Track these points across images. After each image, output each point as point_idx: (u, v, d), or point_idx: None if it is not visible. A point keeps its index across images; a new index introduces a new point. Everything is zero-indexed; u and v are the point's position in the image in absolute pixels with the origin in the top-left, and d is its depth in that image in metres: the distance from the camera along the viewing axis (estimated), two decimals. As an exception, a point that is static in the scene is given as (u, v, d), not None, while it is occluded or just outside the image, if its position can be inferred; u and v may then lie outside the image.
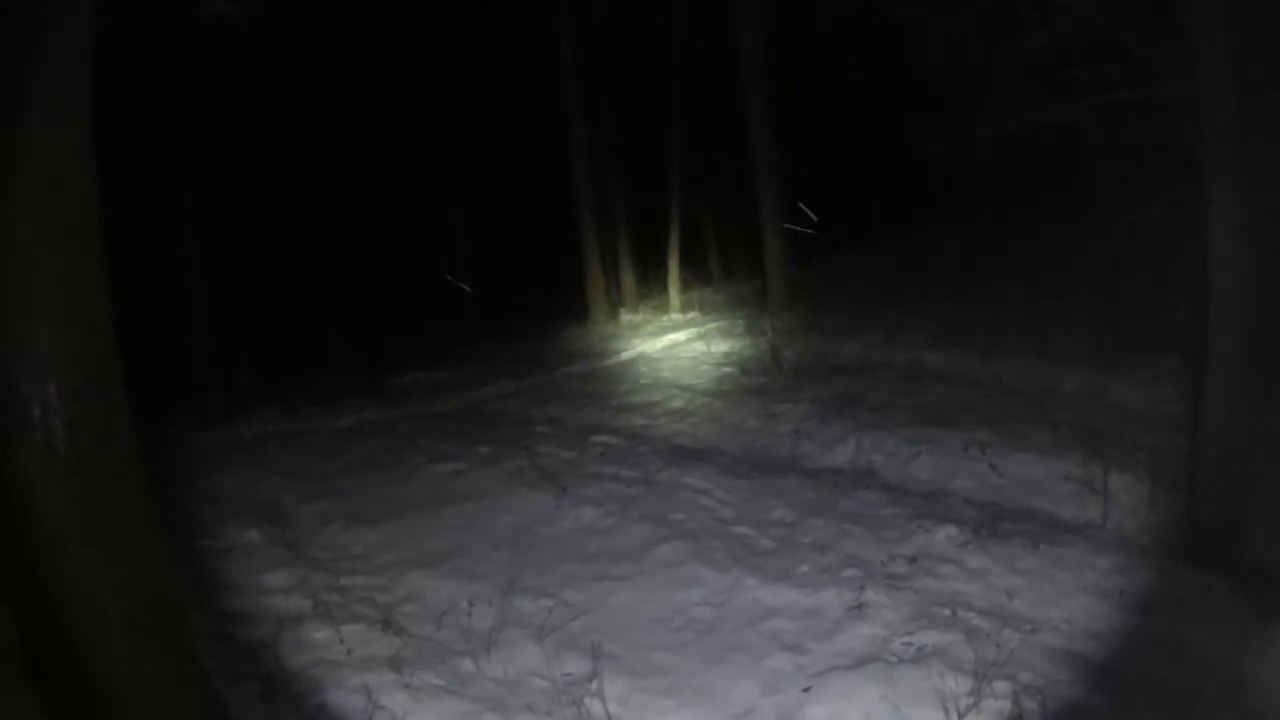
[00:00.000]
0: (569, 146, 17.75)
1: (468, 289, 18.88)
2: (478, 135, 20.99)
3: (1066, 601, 6.28)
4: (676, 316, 16.96)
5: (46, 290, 4.13)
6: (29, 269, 4.05)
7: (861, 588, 6.49)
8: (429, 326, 17.56)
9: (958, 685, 5.33)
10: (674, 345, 13.82)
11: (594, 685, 5.68)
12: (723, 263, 19.64)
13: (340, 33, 19.10)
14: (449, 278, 18.97)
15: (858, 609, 6.28)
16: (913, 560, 6.87)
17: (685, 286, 18.16)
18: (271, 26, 16.02)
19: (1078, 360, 10.85)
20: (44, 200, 4.03)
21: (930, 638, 5.86)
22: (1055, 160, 16.18)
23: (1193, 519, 6.69)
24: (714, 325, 14.18)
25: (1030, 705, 5.17)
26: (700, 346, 13.43)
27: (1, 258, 4.01)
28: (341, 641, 6.23)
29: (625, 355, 13.79)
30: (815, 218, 14.99)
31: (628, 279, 18.33)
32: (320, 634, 6.32)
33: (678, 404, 10.82)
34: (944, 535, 7.11)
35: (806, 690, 5.55)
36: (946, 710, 5.13)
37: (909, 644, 5.84)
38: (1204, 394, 6.44)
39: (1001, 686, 5.29)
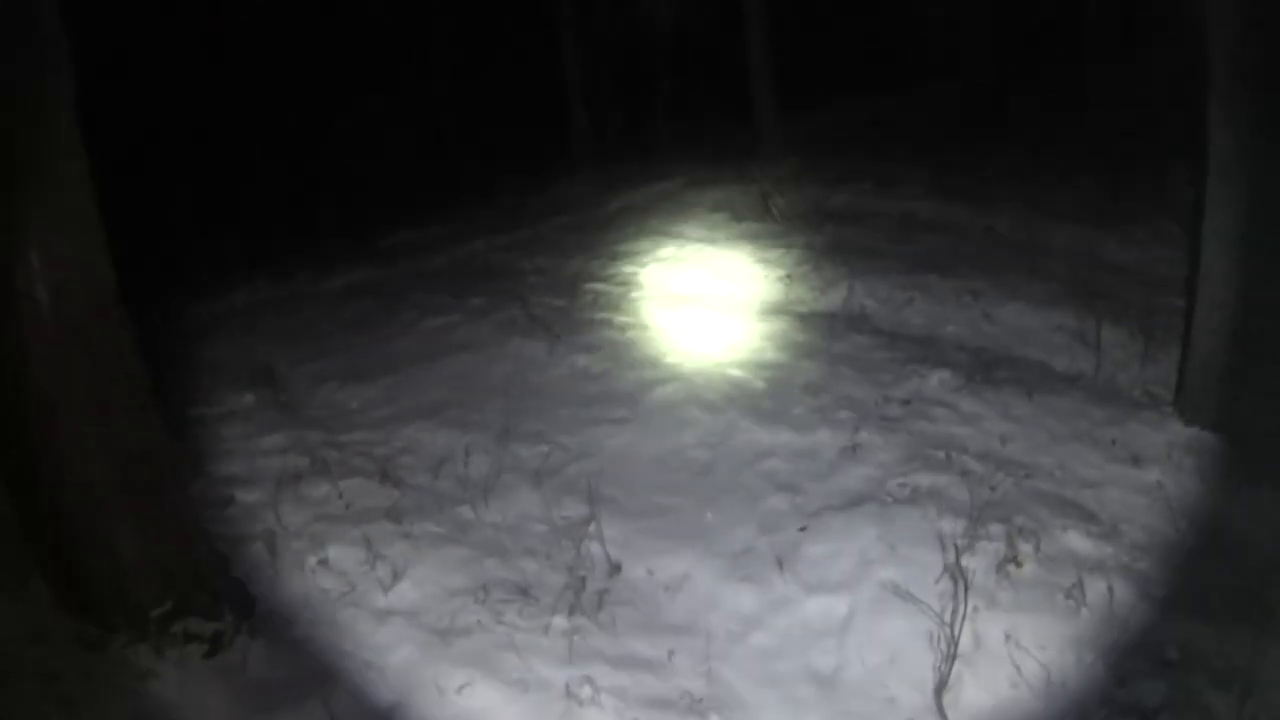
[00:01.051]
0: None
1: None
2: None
3: (1059, 449, 6.29)
4: (665, 165, 16.71)
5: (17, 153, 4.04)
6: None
7: (856, 429, 6.50)
8: (414, 177, 17.24)
9: (953, 527, 5.36)
10: (663, 194, 13.63)
11: (592, 528, 5.69)
12: (713, 110, 19.29)
13: None
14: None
15: (852, 450, 6.29)
16: (906, 403, 6.86)
17: (674, 134, 17.91)
18: None
19: (1072, 217, 10.74)
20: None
21: (925, 479, 5.88)
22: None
23: (1185, 376, 6.68)
24: (703, 173, 13.97)
25: (1025, 547, 5.21)
26: (690, 195, 13.25)
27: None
28: (340, 496, 6.22)
29: (614, 205, 13.58)
30: None
31: (614, 125, 18.06)
32: (319, 490, 6.30)
33: (669, 250, 10.69)
34: (937, 380, 7.09)
35: (803, 530, 5.60)
36: (944, 550, 5.16)
37: (904, 485, 5.86)
38: (1200, 255, 6.38)
39: (996, 529, 5.33)
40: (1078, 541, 5.35)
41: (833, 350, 7.73)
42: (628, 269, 10.31)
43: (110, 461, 4.49)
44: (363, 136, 17.56)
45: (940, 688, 4.53)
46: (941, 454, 6.17)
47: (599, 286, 9.75)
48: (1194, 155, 6.40)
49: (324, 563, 5.52)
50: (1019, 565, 5.12)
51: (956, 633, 4.63)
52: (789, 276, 9.48)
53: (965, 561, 5.03)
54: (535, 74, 18.47)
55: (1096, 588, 4.97)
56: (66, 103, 4.26)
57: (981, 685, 4.58)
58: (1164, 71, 12.44)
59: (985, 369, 7.27)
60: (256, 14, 16.55)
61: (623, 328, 8.47)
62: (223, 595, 4.92)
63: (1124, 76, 15.95)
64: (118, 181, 5.90)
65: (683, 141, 17.53)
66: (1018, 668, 4.61)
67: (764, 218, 11.54)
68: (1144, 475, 6.02)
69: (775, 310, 8.77)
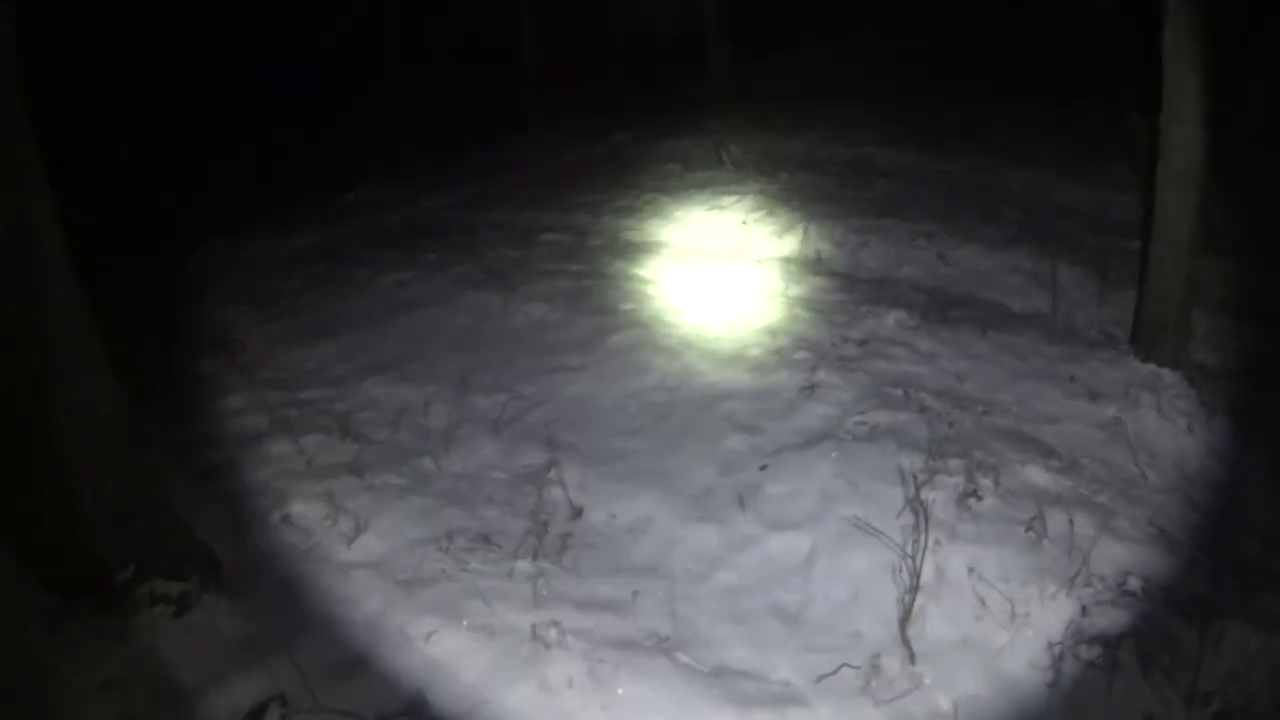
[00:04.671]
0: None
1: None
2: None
3: (1016, 386, 6.34)
4: (618, 118, 16.58)
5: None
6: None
7: (813, 369, 6.51)
8: (364, 136, 16.98)
9: (912, 462, 5.38)
10: (617, 146, 13.54)
11: (552, 474, 5.72)
12: (665, 62, 19.10)
13: None
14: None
15: (810, 389, 6.30)
16: (863, 343, 6.88)
17: (626, 87, 17.76)
18: None
19: (1027, 161, 10.80)
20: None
21: (883, 417, 5.91)
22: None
23: (1141, 314, 6.71)
24: (658, 126, 13.90)
25: (985, 481, 5.25)
26: (644, 147, 13.17)
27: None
28: (301, 453, 6.20)
29: (568, 158, 13.49)
30: None
31: (566, 79, 17.86)
32: (280, 448, 6.28)
33: (623, 201, 10.61)
34: (893, 319, 7.12)
35: (763, 469, 5.60)
36: (904, 484, 5.19)
37: (862, 422, 5.88)
38: (1155, 197, 6.41)
39: (955, 464, 5.38)
40: (1037, 475, 5.38)
41: (788, 293, 7.75)
42: (583, 219, 10.24)
43: (70, 426, 4.43)
44: (308, 99, 17.30)
45: (904, 620, 4.54)
46: (899, 392, 6.19)
47: (554, 237, 9.67)
48: (1149, 100, 6.40)
49: (287, 519, 5.52)
50: (979, 499, 5.15)
51: (918, 565, 4.64)
52: (744, 223, 9.44)
53: (925, 495, 5.07)
54: (484, 26, 18.22)
55: (1057, 520, 5.00)
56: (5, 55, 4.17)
57: (946, 617, 4.59)
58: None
59: (941, 309, 7.31)
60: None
61: (578, 276, 8.43)
62: (187, 556, 4.91)
63: (1075, 24, 15.92)
64: (71, 148, 5.82)
65: (636, 94, 17.40)
66: (981, 600, 4.63)
67: (718, 167, 11.47)
68: (1102, 410, 6.07)
69: (731, 256, 8.73)
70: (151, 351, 7.33)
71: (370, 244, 10.58)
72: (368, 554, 5.26)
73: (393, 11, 18.77)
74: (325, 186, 13.96)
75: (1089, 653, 4.34)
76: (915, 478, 5.20)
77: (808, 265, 8.42)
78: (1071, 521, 4.99)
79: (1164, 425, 5.96)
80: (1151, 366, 6.47)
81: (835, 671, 4.36)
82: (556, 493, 5.60)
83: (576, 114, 16.40)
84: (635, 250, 9.10)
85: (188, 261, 10.97)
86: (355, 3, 18.38)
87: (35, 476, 4.45)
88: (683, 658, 4.50)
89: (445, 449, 6.13)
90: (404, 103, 17.13)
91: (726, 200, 10.10)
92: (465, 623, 4.69)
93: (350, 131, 16.32)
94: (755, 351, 6.85)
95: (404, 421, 6.52)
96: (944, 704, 4.23)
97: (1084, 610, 4.54)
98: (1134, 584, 4.67)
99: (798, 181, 10.52)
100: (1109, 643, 4.34)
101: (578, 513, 5.51)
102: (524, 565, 5.09)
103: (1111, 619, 4.49)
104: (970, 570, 4.76)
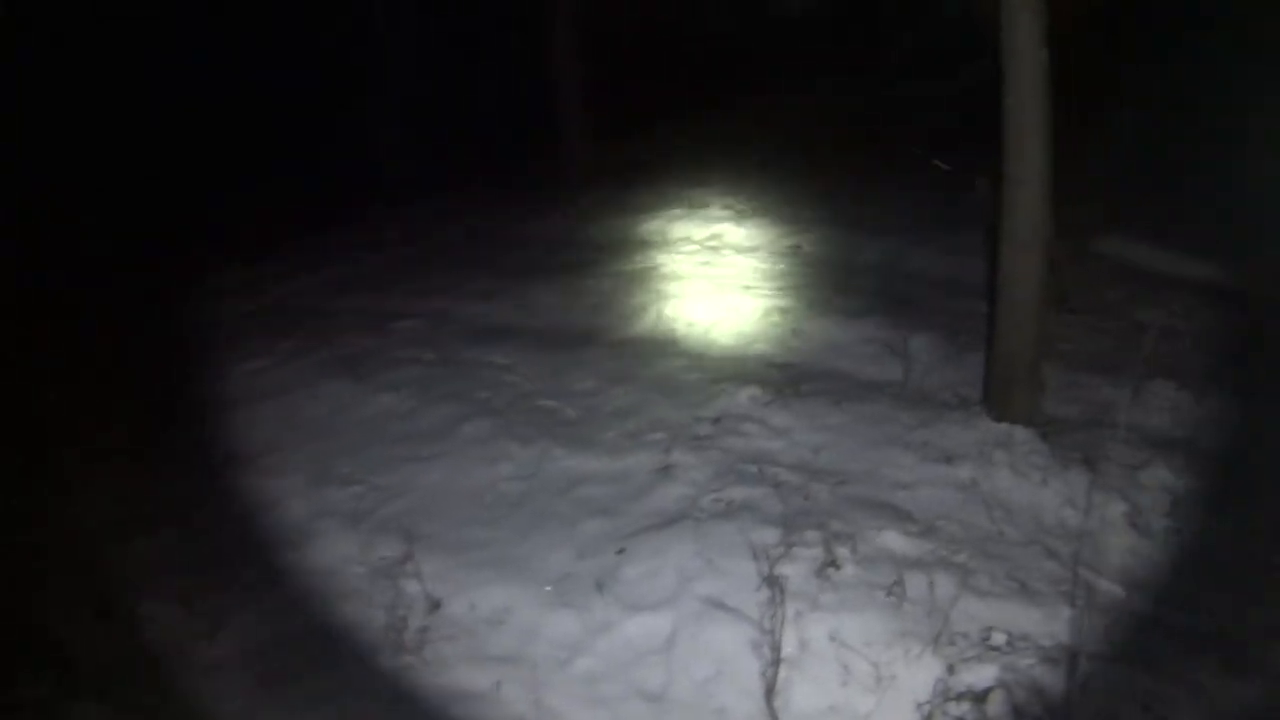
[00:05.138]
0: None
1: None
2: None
3: (871, 454, 6.34)
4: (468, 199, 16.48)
5: None
6: None
7: (667, 450, 6.48)
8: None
9: (769, 537, 5.36)
10: (473, 229, 13.50)
11: (410, 566, 5.63)
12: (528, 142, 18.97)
13: None
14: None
15: (665, 470, 6.27)
16: (717, 421, 6.85)
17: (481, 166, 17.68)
18: None
19: (879, 231, 10.92)
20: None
21: (739, 493, 5.88)
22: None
23: (991, 373, 6.79)
24: (522, 206, 13.92)
25: (843, 551, 5.24)
26: (507, 228, 13.18)
27: None
28: (156, 550, 6.15)
29: (433, 237, 13.42)
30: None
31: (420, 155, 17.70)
32: (135, 545, 6.22)
33: (481, 284, 10.57)
34: (746, 396, 7.10)
35: (620, 552, 5.54)
36: (758, 559, 5.15)
37: (718, 500, 5.85)
38: (999, 257, 6.51)
39: (812, 535, 5.36)
40: (895, 541, 5.39)
41: (642, 375, 7.72)
42: (440, 304, 10.14)
43: None
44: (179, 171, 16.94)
45: (769, 692, 4.51)
46: (754, 468, 6.17)
47: (409, 324, 9.53)
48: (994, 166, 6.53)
49: (142, 618, 5.43)
50: (838, 568, 5.14)
51: (779, 638, 4.64)
52: (598, 306, 9.41)
53: (783, 569, 5.05)
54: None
55: (917, 582, 5.01)
56: None
57: (811, 686, 4.58)
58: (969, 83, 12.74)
59: (794, 383, 7.32)
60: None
61: (429, 364, 8.35)
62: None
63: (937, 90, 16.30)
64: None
65: (492, 172, 17.37)
66: (845, 666, 4.63)
67: (575, 248, 11.48)
68: (957, 472, 6.10)
69: (585, 339, 8.67)
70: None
71: (233, 326, 10.40)
72: (227, 653, 5.19)
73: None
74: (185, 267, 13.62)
75: (958, 709, 4.37)
76: (770, 552, 5.18)
77: (660, 346, 8.39)
78: (932, 583, 5.00)
79: (1019, 481, 6.00)
80: (1004, 425, 6.51)
81: (701, 749, 4.28)
82: (414, 585, 5.52)
83: (426, 194, 16.25)
84: (490, 336, 8.94)
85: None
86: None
87: None
88: (545, 746, 4.40)
89: (301, 544, 6.05)
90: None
91: (583, 283, 10.07)
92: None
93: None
94: (610, 435, 6.82)
95: (259, 515, 6.41)
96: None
97: (950, 668, 4.56)
98: (998, 638, 4.70)
99: (653, 262, 10.57)
100: (977, 697, 4.38)
101: (435, 605, 5.43)
102: (384, 660, 5.06)
103: (978, 674, 4.51)
104: (832, 638, 4.75)
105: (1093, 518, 5.54)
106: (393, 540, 5.96)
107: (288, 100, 17.28)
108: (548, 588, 5.43)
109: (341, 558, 5.94)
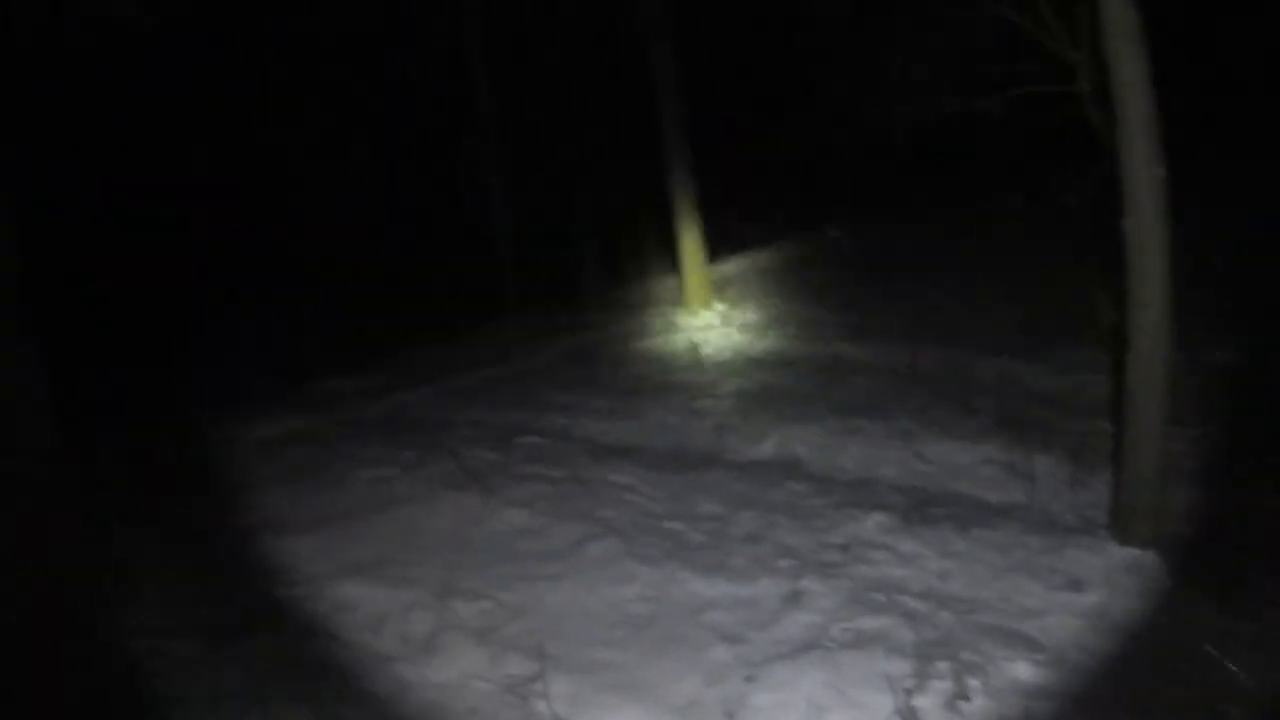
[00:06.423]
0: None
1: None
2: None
3: (999, 581, 6.34)
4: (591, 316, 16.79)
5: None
6: None
7: (796, 576, 6.50)
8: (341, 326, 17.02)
9: (900, 667, 5.36)
10: (593, 345, 13.73)
11: (538, 685, 5.61)
12: (637, 260, 19.37)
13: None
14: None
15: (794, 597, 6.28)
16: (844, 548, 6.89)
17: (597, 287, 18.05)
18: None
19: (994, 349, 10.97)
20: None
21: (868, 622, 5.88)
22: (963, 150, 16.43)
23: (1119, 498, 6.77)
24: (633, 324, 14.12)
25: (973, 682, 5.22)
26: (619, 346, 13.37)
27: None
28: (279, 654, 6.14)
29: (542, 356, 13.66)
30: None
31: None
32: (257, 646, 6.21)
33: (599, 403, 10.73)
34: (873, 522, 7.15)
35: (749, 679, 5.52)
36: (893, 691, 5.15)
37: (848, 629, 5.85)
38: (1126, 380, 6.52)
39: (943, 666, 5.34)
40: (1024, 671, 5.37)
41: (768, 499, 7.78)
42: (561, 421, 10.29)
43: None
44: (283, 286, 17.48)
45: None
46: (883, 596, 6.18)
47: (532, 439, 9.65)
48: (1116, 282, 6.57)
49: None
50: (968, 700, 5.13)
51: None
52: (720, 426, 9.51)
53: (915, 701, 5.05)
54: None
55: (1044, 713, 5.00)
56: None
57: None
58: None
59: (920, 507, 7.36)
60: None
61: (555, 481, 8.43)
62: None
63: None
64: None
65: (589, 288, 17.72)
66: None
67: (692, 367, 11.62)
68: (1084, 599, 6.08)
69: (708, 461, 8.77)
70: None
71: (350, 435, 10.55)
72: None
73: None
74: (302, 370, 13.94)
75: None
76: (903, 685, 5.18)
77: (785, 469, 8.48)
78: (1060, 715, 4.99)
79: (1145, 606, 5.98)
80: (1132, 549, 6.50)
81: None
82: (541, 706, 5.49)
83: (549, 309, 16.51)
84: (612, 455, 9.08)
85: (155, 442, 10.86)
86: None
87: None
88: None
89: (427, 656, 6.07)
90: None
91: (703, 403, 10.28)
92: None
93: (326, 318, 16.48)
94: (738, 560, 6.85)
95: (384, 627, 6.44)
96: None
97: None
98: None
99: (772, 381, 10.76)
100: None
101: (565, 726, 5.41)
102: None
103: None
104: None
105: (1219, 642, 5.48)
106: (520, 658, 5.95)
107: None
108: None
109: (468, 673, 5.92)
